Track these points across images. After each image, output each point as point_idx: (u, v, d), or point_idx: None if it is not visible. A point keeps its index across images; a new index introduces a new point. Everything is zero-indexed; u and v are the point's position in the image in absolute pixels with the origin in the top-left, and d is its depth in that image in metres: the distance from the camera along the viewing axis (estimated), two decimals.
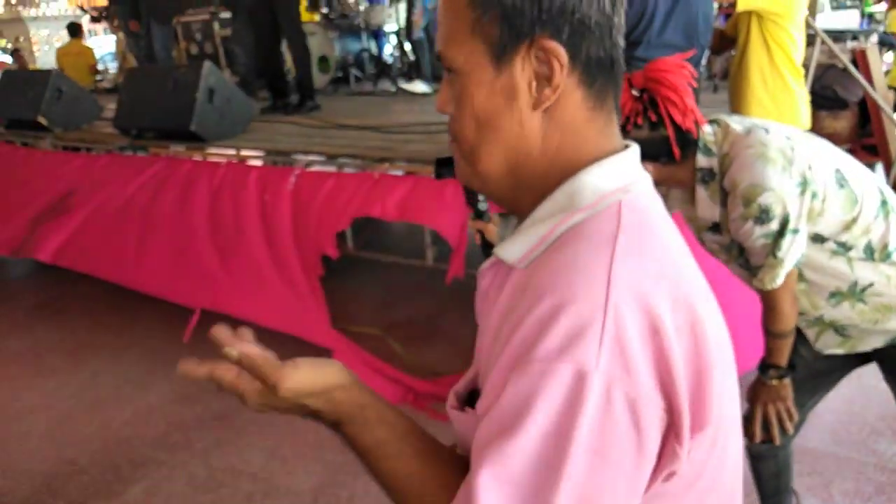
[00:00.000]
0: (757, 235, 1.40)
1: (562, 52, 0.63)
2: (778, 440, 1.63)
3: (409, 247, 3.60)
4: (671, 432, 0.58)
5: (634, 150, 0.71)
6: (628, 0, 1.85)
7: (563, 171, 0.66)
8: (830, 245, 1.46)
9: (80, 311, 4.05)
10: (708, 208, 1.49)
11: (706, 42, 2.14)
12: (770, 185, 1.36)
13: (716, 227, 1.56)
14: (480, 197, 1.60)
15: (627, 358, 0.55)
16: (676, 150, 1.42)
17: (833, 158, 1.47)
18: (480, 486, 0.55)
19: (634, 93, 1.38)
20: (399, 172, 3.11)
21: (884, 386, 2.73)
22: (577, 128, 0.66)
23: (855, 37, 4.21)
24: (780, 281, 1.43)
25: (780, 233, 1.38)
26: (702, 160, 1.46)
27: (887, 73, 4.23)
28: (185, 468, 2.61)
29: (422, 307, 3.69)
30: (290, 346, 3.06)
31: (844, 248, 1.46)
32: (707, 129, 1.47)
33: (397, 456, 0.68)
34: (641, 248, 0.61)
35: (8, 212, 4.04)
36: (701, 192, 1.49)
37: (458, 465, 0.66)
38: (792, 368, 1.57)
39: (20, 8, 10.13)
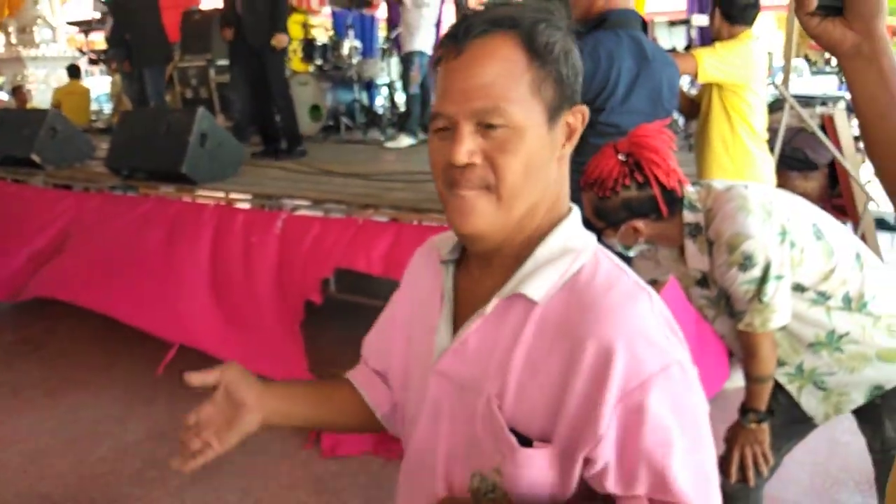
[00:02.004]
0: (741, 281, 1.50)
1: (588, 113, 0.80)
2: (753, 482, 1.69)
3: (390, 290, 3.65)
4: None
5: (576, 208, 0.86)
6: (594, 70, 1.96)
7: (551, 218, 0.80)
8: (811, 294, 1.55)
9: (60, 347, 4.06)
10: (698, 259, 1.60)
11: (672, 107, 2.27)
12: (752, 234, 1.47)
13: (703, 282, 1.65)
14: None
15: (683, 346, 0.76)
16: (664, 207, 1.53)
17: (809, 213, 1.59)
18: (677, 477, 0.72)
19: (621, 157, 1.50)
20: (383, 219, 3.20)
21: (847, 438, 2.82)
22: (565, 181, 0.81)
23: (825, 102, 4.40)
24: (771, 325, 1.52)
25: (763, 279, 1.48)
26: (688, 216, 1.57)
27: (857, 138, 4.41)
28: None
29: None
30: None
31: (824, 297, 1.55)
32: (690, 189, 1.59)
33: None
34: (638, 276, 0.80)
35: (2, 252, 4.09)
36: (690, 245, 1.60)
37: None
38: (770, 413, 1.65)
39: (20, 48, 10.29)
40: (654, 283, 1.88)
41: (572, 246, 0.78)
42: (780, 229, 1.50)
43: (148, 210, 3.73)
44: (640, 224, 1.56)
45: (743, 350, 1.61)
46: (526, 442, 0.74)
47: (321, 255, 3.04)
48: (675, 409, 0.71)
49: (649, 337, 0.72)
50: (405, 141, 5.41)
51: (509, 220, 0.76)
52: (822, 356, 1.61)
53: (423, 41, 5.42)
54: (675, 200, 1.55)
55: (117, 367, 3.76)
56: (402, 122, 5.90)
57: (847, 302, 1.55)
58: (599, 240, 0.88)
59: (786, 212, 1.54)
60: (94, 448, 3.00)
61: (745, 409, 1.65)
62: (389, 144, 5.49)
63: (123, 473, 2.82)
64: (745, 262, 1.48)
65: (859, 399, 1.63)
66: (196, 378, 0.90)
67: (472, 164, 0.74)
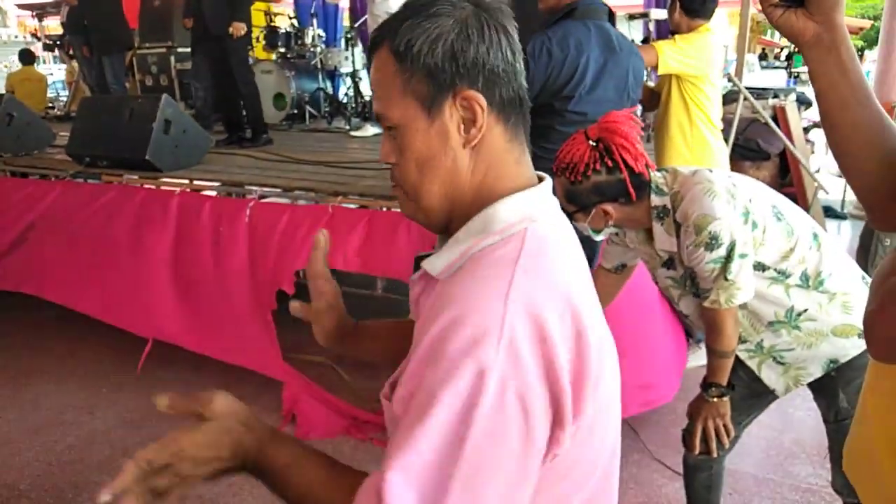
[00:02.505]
0: (707, 261, 1.59)
1: (481, 98, 0.76)
2: (715, 453, 1.80)
3: (359, 276, 3.69)
4: (556, 421, 0.69)
5: (547, 183, 0.83)
6: (563, 58, 2.02)
7: (485, 198, 0.79)
8: (771, 273, 1.64)
9: (22, 336, 4.00)
10: (665, 241, 1.68)
11: (637, 97, 2.36)
12: (718, 215, 1.56)
13: (670, 263, 1.74)
14: None
15: (519, 360, 0.66)
16: (632, 191, 1.61)
17: (769, 196, 1.68)
18: (391, 461, 0.65)
19: (591, 142, 1.57)
20: (353, 206, 3.23)
21: (800, 414, 2.97)
22: (498, 159, 0.79)
23: (776, 94, 4.57)
24: (735, 301, 1.61)
25: (728, 257, 1.57)
26: (656, 199, 1.65)
27: (806, 129, 4.60)
28: None
29: None
30: (242, 376, 3.11)
31: (784, 275, 1.64)
32: (657, 174, 1.67)
33: (313, 467, 0.76)
34: (537, 269, 0.73)
35: None
36: (657, 228, 1.68)
37: (362, 476, 0.72)
38: (731, 387, 1.74)
39: None
40: (623, 268, 1.98)
41: (492, 227, 0.77)
42: (743, 210, 1.59)
43: (113, 199, 3.67)
44: (609, 207, 1.64)
45: (707, 327, 1.70)
46: None
47: (294, 245, 3.05)
48: (452, 404, 0.65)
49: (470, 332, 0.66)
50: (371, 129, 5.43)
51: (424, 210, 0.81)
52: (782, 334, 1.71)
53: None
54: (643, 184, 1.63)
55: (81, 355, 3.72)
56: (367, 111, 5.90)
57: (805, 280, 1.65)
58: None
59: (748, 194, 1.63)
60: (60, 437, 2.98)
61: (708, 383, 1.74)
62: (355, 133, 5.50)
63: (92, 461, 2.81)
64: (712, 242, 1.57)
65: (816, 372, 1.73)
66: (297, 308, 1.02)
67: (391, 162, 0.83)
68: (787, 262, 1.64)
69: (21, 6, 10.87)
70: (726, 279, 1.59)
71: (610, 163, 1.57)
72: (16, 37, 10.55)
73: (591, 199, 1.62)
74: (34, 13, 10.02)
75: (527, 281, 0.70)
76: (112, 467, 2.75)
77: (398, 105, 0.77)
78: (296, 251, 3.02)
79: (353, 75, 6.76)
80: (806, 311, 1.66)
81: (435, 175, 0.78)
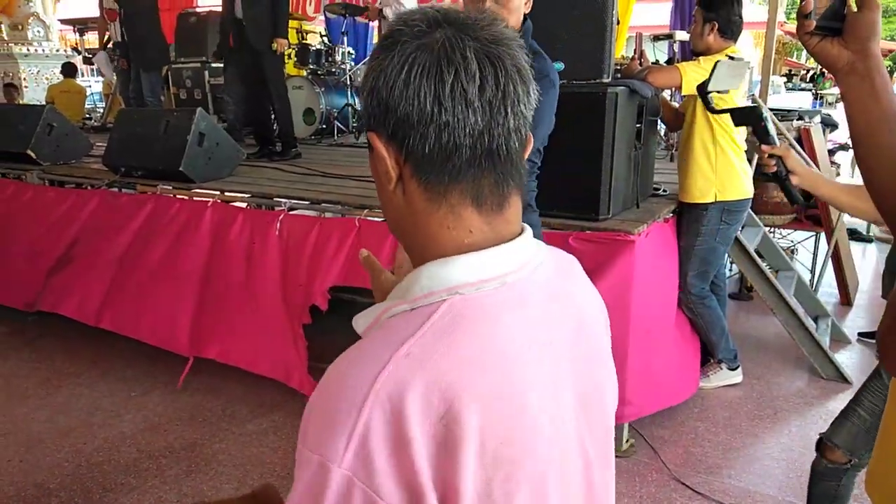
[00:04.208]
0: None
1: (378, 142, 0.66)
2: None
3: None
4: None
5: (502, 249, 0.69)
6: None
7: (421, 251, 0.70)
8: None
9: (54, 339, 4.12)
10: None
11: None
12: None
13: None
14: (766, 114, 1.55)
15: (372, 462, 0.57)
16: None
17: None
18: None
19: None
20: (379, 219, 3.29)
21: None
22: (420, 215, 0.68)
23: (801, 116, 4.55)
24: None
25: None
26: None
27: (831, 152, 4.57)
28: (155, 494, 2.68)
29: None
30: (268, 383, 3.18)
31: None
32: None
33: None
34: (431, 355, 0.61)
35: (8, 258, 4.19)
36: None
37: None
38: None
39: (12, 45, 10.31)
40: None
41: (410, 293, 0.68)
42: None
43: (149, 213, 3.79)
44: None
45: None
46: None
47: (325, 258, 3.11)
48: (302, 493, 0.59)
49: (326, 420, 0.60)
50: None
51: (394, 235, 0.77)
52: None
53: None
54: None
55: (111, 359, 3.82)
56: None
57: None
58: None
59: None
60: (89, 439, 3.06)
61: None
62: None
63: (119, 463, 2.89)
64: None
65: None
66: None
67: None
68: None
69: (63, 21, 11.27)
70: None
71: None
72: (57, 50, 10.90)
73: None
74: (75, 28, 10.37)
75: (406, 366, 0.60)
76: (138, 469, 2.83)
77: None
78: (327, 266, 3.10)
79: None
80: None
81: (386, 206, 0.72)
